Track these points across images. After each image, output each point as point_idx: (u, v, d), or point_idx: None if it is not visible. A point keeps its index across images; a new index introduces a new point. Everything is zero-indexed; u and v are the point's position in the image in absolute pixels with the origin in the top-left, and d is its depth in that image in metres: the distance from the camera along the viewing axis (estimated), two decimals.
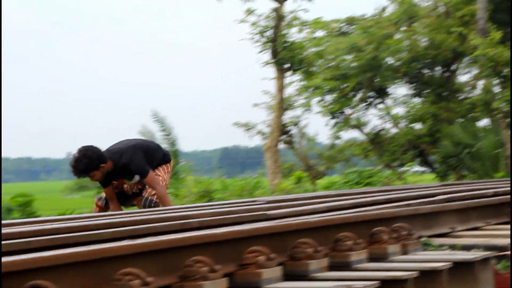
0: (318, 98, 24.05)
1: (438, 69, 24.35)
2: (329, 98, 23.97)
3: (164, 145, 27.98)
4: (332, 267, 3.80)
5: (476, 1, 22.33)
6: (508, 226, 5.26)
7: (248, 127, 24.72)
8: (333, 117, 23.88)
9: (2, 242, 3.52)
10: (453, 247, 4.55)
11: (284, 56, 18.69)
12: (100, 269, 2.89)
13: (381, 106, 24.65)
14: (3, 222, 4.82)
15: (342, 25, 24.46)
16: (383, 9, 24.05)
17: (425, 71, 24.21)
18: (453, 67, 24.26)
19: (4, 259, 2.67)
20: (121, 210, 8.32)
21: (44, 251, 3.08)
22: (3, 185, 16.06)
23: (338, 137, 24.47)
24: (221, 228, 4.05)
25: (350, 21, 24.39)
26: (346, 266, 3.86)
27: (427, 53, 23.13)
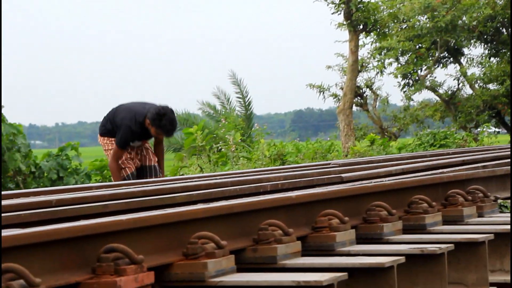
0: (392, 60, 23.78)
1: None
2: (402, 59, 23.69)
3: (238, 108, 28.04)
4: (406, 230, 3.78)
5: None
6: None
7: (321, 89, 24.60)
8: (407, 79, 23.62)
9: (81, 206, 3.59)
10: None
11: (358, 17, 18.48)
12: (175, 233, 2.92)
13: (456, 66, 24.28)
14: (81, 186, 4.90)
15: None
16: None
17: (503, 30, 23.69)
18: None
19: (81, 222, 2.72)
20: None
21: (120, 215, 3.13)
22: (81, 149, 16.32)
23: (410, 99, 24.19)
24: (294, 191, 4.05)
25: None
26: (421, 229, 3.83)
27: (505, 12, 22.62)
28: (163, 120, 7.91)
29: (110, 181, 15.09)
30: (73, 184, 14.71)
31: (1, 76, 5.76)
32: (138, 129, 8.07)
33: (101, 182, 14.99)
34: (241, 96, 27.97)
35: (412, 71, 23.28)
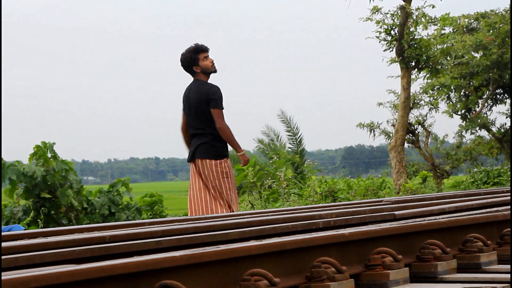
0: (444, 97, 23.66)
1: None
2: (454, 96, 23.56)
3: (289, 145, 28.11)
4: (460, 269, 3.74)
5: None
6: None
7: (372, 126, 24.52)
8: (460, 116, 23.47)
9: (133, 242, 3.61)
10: None
11: (410, 54, 18.45)
12: (228, 269, 2.93)
13: (508, 103, 24.05)
14: (133, 222, 4.94)
15: (471, 21, 23.95)
16: None
17: None
18: None
19: (135, 258, 2.74)
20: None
21: (173, 251, 3.14)
22: (132, 185, 16.46)
23: (463, 136, 24.01)
24: (347, 228, 4.04)
25: (479, 17, 23.85)
26: (475, 268, 3.78)
27: None
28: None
29: (161, 217, 15.17)
30: (124, 219, 14.83)
31: (1, 76, 5.85)
32: None
33: (152, 218, 15.09)
34: (291, 134, 28.04)
35: (463, 109, 23.12)
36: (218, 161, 8.61)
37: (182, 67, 8.82)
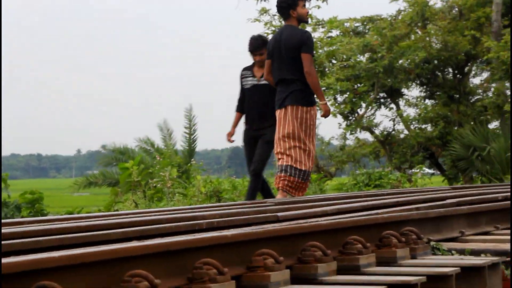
0: (331, 98, 23.97)
1: (451, 72, 24.29)
2: (340, 98, 23.90)
3: (181, 143, 27.95)
4: (340, 271, 3.81)
5: (491, 3, 22.30)
6: None
7: None
8: (345, 118, 23.83)
9: (11, 242, 3.53)
10: (462, 252, 4.55)
11: None
12: (109, 270, 2.90)
13: (392, 107, 24.58)
14: (11, 220, 4.83)
15: (357, 24, 24.36)
16: (399, 12, 23.97)
17: (438, 73, 24.14)
18: (465, 69, 24.19)
19: (12, 259, 2.69)
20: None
21: (52, 251, 3.09)
22: (12, 181, 16.10)
23: (346, 138, 24.39)
24: (230, 229, 4.06)
25: (366, 21, 24.28)
26: (355, 270, 3.86)
27: (440, 55, 23.07)
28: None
29: (42, 215, 14.86)
30: (2, 217, 14.48)
31: (0, 76, 5.69)
32: None
33: (32, 216, 14.77)
34: (188, 132, 27.96)
35: (349, 111, 23.49)
36: (309, 107, 8.76)
37: (277, 7, 8.91)
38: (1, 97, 6.46)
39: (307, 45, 8.72)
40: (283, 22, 9.31)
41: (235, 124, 10.00)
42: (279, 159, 8.77)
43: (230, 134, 10.01)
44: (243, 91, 9.92)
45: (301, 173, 8.68)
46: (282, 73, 8.79)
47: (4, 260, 2.62)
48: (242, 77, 9.94)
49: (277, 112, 8.81)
